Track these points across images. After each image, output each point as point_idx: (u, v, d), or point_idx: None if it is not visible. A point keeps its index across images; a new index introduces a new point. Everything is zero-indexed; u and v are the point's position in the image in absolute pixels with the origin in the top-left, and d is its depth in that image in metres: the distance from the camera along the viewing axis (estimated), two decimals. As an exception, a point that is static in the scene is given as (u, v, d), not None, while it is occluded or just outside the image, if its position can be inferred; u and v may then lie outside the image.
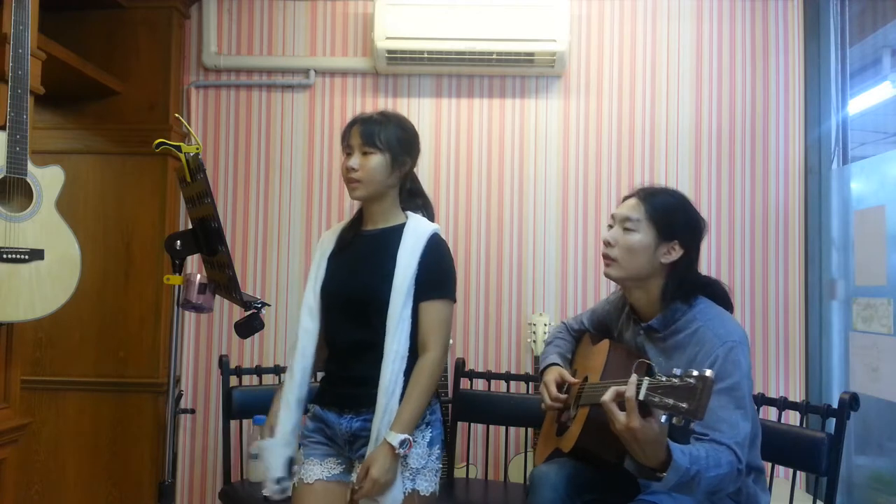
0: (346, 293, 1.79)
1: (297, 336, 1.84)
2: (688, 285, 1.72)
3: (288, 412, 1.80)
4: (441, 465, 1.79)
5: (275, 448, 1.79)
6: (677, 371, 1.35)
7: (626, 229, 1.72)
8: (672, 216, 1.72)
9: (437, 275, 1.77)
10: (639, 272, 1.72)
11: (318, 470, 1.79)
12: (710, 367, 1.56)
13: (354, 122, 1.81)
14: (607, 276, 1.76)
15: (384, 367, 1.70)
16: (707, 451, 1.49)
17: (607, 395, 1.44)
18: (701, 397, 1.28)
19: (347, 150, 1.80)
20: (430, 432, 1.76)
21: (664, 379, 1.35)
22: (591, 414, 1.69)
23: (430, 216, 1.89)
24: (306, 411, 1.86)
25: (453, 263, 1.83)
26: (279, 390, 1.86)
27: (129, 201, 2.91)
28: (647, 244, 1.70)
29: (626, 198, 1.81)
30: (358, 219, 1.89)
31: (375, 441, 1.68)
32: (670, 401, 1.32)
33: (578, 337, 2.09)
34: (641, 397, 1.37)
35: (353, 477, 1.73)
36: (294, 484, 1.80)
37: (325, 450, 1.81)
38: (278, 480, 1.78)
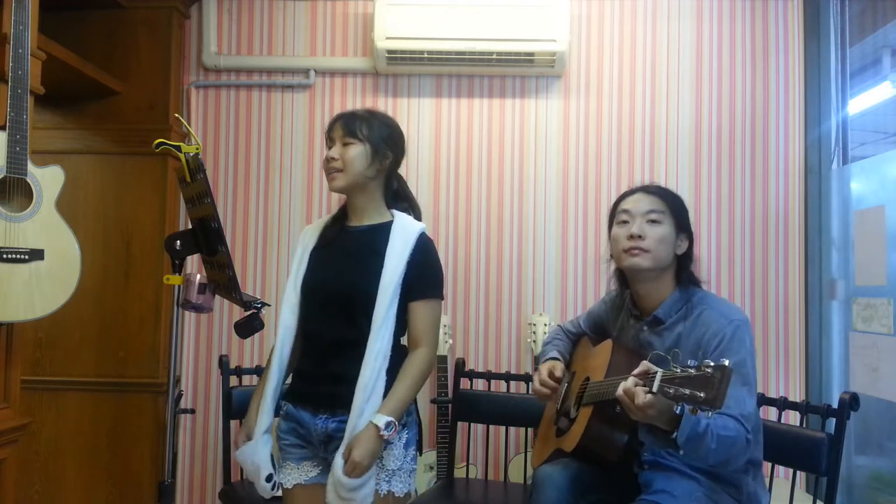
0: (330, 289, 1.78)
1: (276, 333, 1.84)
2: (693, 277, 1.79)
3: (265, 412, 1.80)
4: (415, 466, 1.79)
5: (257, 449, 1.79)
6: (692, 362, 1.37)
7: (652, 221, 1.75)
8: (683, 210, 1.80)
9: (428, 275, 1.78)
10: (663, 262, 1.76)
11: (296, 474, 1.79)
12: (717, 346, 1.62)
13: (338, 117, 1.83)
14: (636, 266, 1.75)
15: (365, 366, 1.69)
16: (716, 419, 1.51)
17: (624, 390, 1.46)
18: (719, 386, 1.29)
19: (329, 144, 1.81)
20: (407, 433, 1.76)
21: (679, 370, 1.37)
22: (594, 412, 1.69)
23: (418, 218, 1.89)
24: (278, 409, 1.85)
25: (440, 262, 1.84)
26: (256, 390, 1.86)
27: (129, 201, 2.91)
28: (671, 235, 1.76)
29: (628, 194, 1.83)
30: (342, 214, 1.89)
31: (350, 438, 1.66)
32: (687, 391, 1.34)
33: (576, 340, 2.11)
34: (655, 390, 1.39)
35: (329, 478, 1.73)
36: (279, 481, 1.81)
37: (301, 452, 1.80)
38: (268, 478, 1.78)
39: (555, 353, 2.02)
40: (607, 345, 1.84)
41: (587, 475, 1.74)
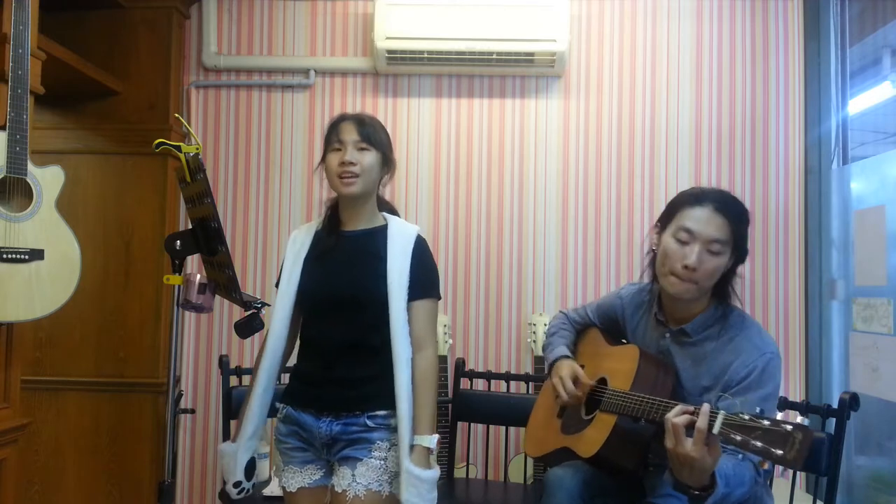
0: (337, 294, 1.78)
1: (265, 339, 1.85)
2: (726, 290, 1.72)
3: (251, 417, 1.82)
4: None
5: (234, 453, 1.81)
6: (759, 410, 1.33)
7: (711, 252, 1.63)
8: (745, 235, 1.68)
9: (427, 275, 1.80)
10: (708, 289, 1.69)
11: (300, 478, 1.79)
12: (746, 377, 1.58)
13: (344, 118, 1.81)
14: (680, 295, 1.66)
15: (398, 372, 1.72)
16: (734, 468, 1.48)
17: (680, 419, 1.40)
18: (801, 449, 1.24)
19: (338, 146, 1.78)
20: None
21: (747, 417, 1.31)
22: (619, 423, 1.65)
23: None
24: (275, 413, 1.86)
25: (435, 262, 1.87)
26: (248, 393, 1.87)
27: (129, 201, 2.91)
28: (725, 267, 1.67)
29: (695, 203, 1.67)
30: (333, 220, 1.87)
31: (406, 450, 1.69)
32: (759, 443, 1.28)
33: (581, 329, 2.06)
34: (716, 431, 1.34)
35: (335, 479, 1.74)
36: (254, 485, 1.84)
37: (303, 456, 1.80)
38: (236, 484, 1.81)
39: (564, 350, 1.95)
40: (633, 350, 1.77)
41: (598, 479, 1.72)
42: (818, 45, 3.02)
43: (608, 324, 1.99)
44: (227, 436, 2.58)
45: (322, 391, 1.78)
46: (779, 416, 1.50)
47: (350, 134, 1.77)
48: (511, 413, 2.60)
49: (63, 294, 2.09)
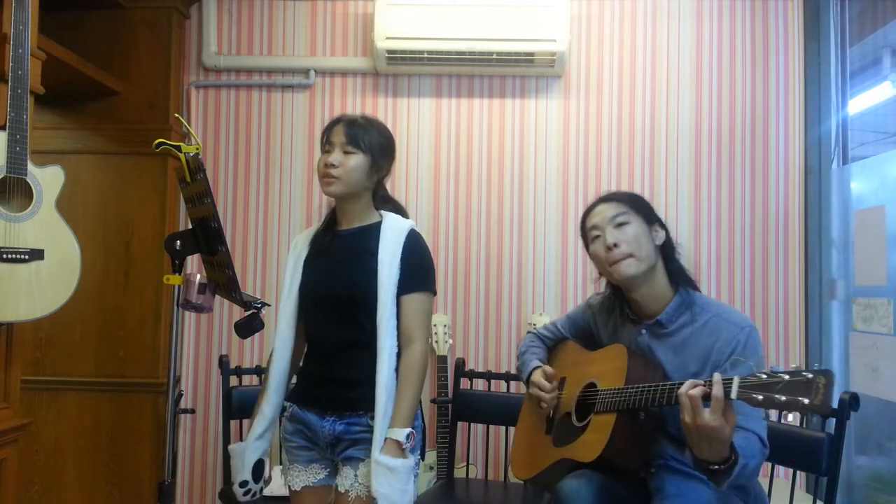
0: (332, 292, 1.79)
1: (273, 342, 1.86)
2: (683, 270, 1.77)
3: (261, 417, 1.83)
4: (419, 471, 1.79)
5: (242, 452, 1.82)
6: (776, 368, 1.35)
7: (619, 224, 1.74)
8: (645, 204, 1.81)
9: (418, 269, 1.79)
10: (649, 260, 1.73)
11: (304, 476, 1.80)
12: (732, 354, 1.61)
13: (338, 120, 1.82)
14: (625, 273, 1.72)
15: (380, 366, 1.71)
16: (744, 440, 1.50)
17: (695, 390, 1.42)
18: (826, 391, 1.26)
19: (327, 147, 1.80)
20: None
21: (764, 376, 1.34)
22: (619, 421, 1.64)
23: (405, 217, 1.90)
24: (283, 411, 1.87)
25: (432, 257, 1.85)
26: (259, 394, 1.87)
27: (129, 201, 2.91)
28: (644, 230, 1.75)
29: (589, 210, 1.84)
30: (331, 220, 1.90)
31: (379, 442, 1.67)
32: (783, 397, 1.29)
33: (552, 345, 2.07)
34: (734, 396, 1.36)
35: (338, 479, 1.74)
36: (262, 488, 1.84)
37: (308, 455, 1.81)
38: (242, 484, 1.81)
39: (536, 363, 1.99)
40: (619, 348, 1.77)
41: (610, 488, 1.69)
42: (818, 45, 3.02)
43: (581, 334, 2.02)
44: (227, 436, 2.59)
45: (323, 391, 1.78)
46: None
47: (338, 136, 1.79)
48: (511, 413, 2.59)
49: (63, 294, 2.09)
